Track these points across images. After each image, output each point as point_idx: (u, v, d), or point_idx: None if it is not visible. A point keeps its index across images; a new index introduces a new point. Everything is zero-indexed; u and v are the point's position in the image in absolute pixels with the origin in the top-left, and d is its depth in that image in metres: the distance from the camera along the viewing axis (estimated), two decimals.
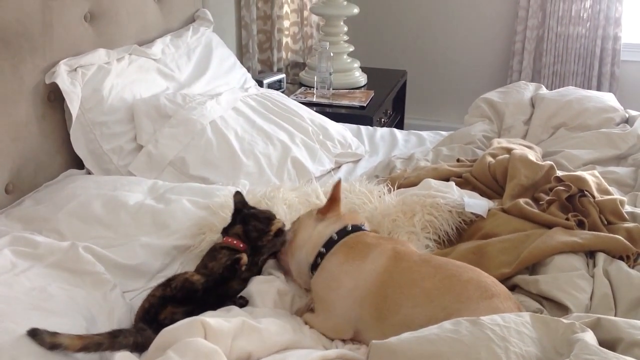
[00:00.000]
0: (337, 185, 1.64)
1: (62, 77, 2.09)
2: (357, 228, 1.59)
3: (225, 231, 1.69)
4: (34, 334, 1.27)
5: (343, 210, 1.67)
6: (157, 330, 1.32)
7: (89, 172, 2.20)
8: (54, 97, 2.13)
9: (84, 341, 1.30)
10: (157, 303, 1.46)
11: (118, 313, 1.54)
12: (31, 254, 1.61)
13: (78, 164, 2.22)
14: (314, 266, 1.56)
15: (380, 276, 1.44)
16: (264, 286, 1.58)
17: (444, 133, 2.86)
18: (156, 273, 1.74)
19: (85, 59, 2.21)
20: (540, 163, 2.05)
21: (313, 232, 1.60)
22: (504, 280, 1.61)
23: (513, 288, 1.62)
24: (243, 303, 1.52)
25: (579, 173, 1.97)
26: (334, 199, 1.63)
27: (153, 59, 2.52)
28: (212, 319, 1.29)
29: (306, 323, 1.52)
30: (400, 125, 3.97)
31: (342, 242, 1.54)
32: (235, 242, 1.64)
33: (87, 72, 2.20)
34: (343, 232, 1.57)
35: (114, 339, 1.33)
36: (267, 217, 1.68)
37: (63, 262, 1.61)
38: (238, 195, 1.74)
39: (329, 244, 1.55)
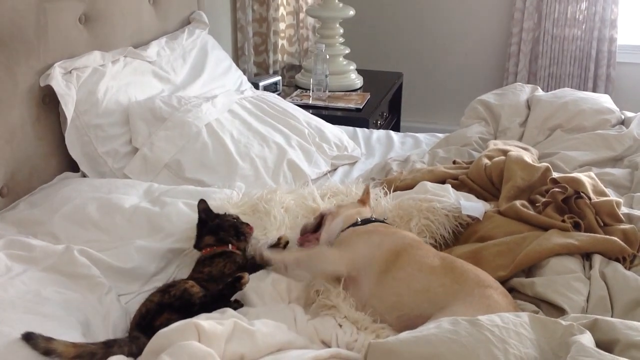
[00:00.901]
0: (367, 189, 1.91)
1: (57, 80, 2.08)
2: None
3: (198, 244, 1.72)
4: (29, 338, 1.26)
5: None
6: (151, 337, 1.31)
7: (84, 175, 2.19)
8: (49, 100, 2.12)
9: (77, 350, 1.29)
10: (154, 309, 1.46)
11: (113, 316, 1.52)
12: (26, 257, 1.61)
13: (73, 167, 2.21)
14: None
15: (403, 245, 1.60)
16: (257, 282, 1.58)
17: (440, 135, 2.86)
18: (151, 276, 1.73)
19: (80, 61, 2.20)
20: (537, 165, 2.05)
21: (355, 210, 1.80)
22: (501, 283, 1.60)
23: (510, 291, 1.61)
24: (237, 307, 1.51)
25: (575, 175, 1.97)
26: (367, 192, 1.88)
27: (148, 62, 2.51)
28: (205, 321, 1.28)
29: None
30: (396, 128, 3.97)
31: (377, 222, 1.74)
32: (231, 247, 1.67)
33: (82, 74, 2.20)
34: (380, 220, 1.77)
35: (108, 349, 1.32)
36: (232, 225, 1.73)
37: (58, 265, 1.60)
38: (203, 204, 1.76)
39: (366, 221, 1.73)
